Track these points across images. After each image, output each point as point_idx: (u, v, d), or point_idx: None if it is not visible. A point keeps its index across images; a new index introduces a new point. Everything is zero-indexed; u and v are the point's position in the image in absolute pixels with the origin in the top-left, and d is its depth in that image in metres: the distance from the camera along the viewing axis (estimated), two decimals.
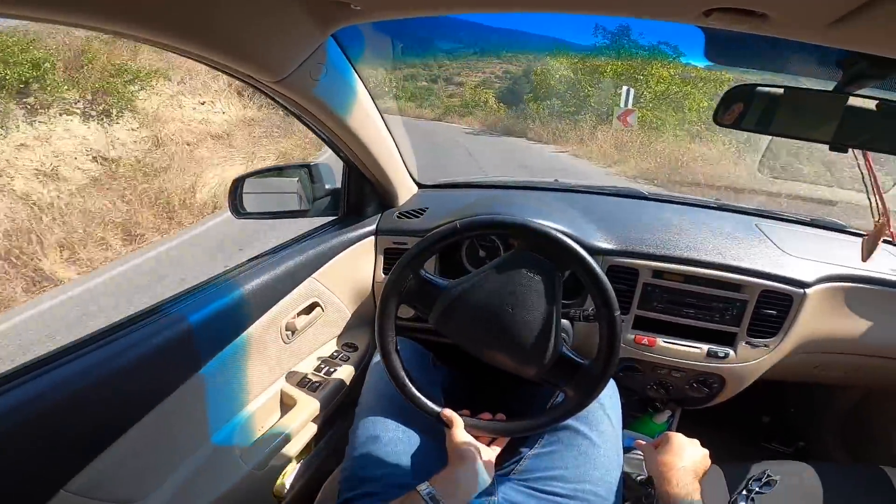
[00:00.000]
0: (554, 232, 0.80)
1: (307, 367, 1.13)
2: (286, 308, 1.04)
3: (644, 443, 0.92)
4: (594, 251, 1.15)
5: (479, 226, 0.84)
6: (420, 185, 1.46)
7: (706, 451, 0.85)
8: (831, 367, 1.26)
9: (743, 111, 0.76)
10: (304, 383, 1.08)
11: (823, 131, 0.71)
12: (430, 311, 0.86)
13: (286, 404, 1.05)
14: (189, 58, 0.58)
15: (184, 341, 0.80)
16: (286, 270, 1.03)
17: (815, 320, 1.14)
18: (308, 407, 1.03)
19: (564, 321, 1.08)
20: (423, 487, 0.71)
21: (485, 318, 0.84)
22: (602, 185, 1.61)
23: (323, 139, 1.04)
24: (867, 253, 0.89)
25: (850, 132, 0.70)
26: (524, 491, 0.83)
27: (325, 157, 4.46)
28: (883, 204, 0.80)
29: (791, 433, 1.72)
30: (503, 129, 16.99)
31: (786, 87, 0.72)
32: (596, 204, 1.40)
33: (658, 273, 1.14)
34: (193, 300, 0.87)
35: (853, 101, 0.67)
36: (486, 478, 0.79)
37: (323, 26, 0.65)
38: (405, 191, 1.35)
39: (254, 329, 0.95)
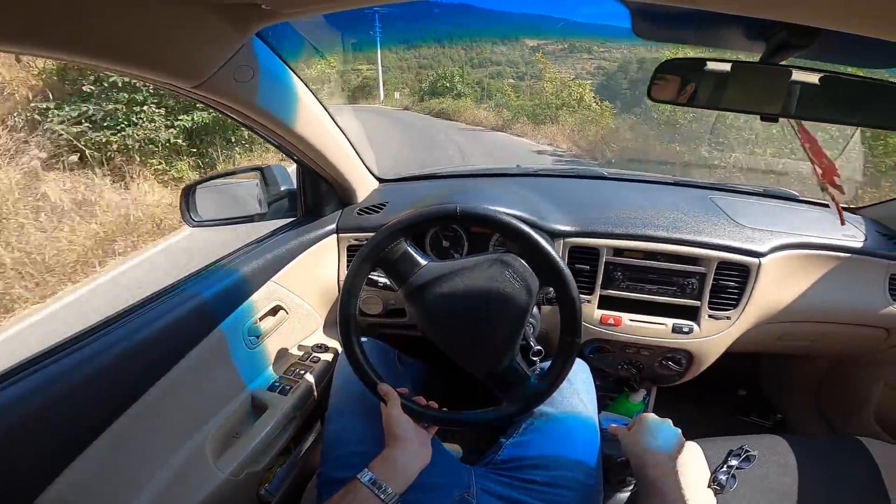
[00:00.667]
0: (548, 247, 0.79)
1: (277, 370, 1.13)
2: (247, 313, 1.03)
3: (617, 426, 0.93)
4: (554, 234, 1.15)
5: (477, 217, 0.83)
6: (380, 180, 1.45)
7: (679, 430, 0.86)
8: (795, 337, 1.29)
9: (692, 87, 0.77)
10: (274, 387, 1.07)
11: (771, 104, 0.72)
12: (403, 283, 0.86)
13: (258, 409, 1.04)
14: (97, 69, 0.56)
15: (143, 351, 0.79)
16: (244, 276, 1.02)
17: (773, 289, 1.16)
18: (281, 410, 1.02)
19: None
20: (364, 475, 0.71)
21: (455, 309, 0.83)
22: (562, 168, 1.62)
23: (269, 142, 1.02)
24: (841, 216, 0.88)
25: (795, 104, 0.70)
26: (503, 481, 0.83)
27: None
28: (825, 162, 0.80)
29: (768, 406, 1.75)
30: (625, 156, 8.98)
31: (732, 61, 0.73)
32: (555, 187, 1.41)
33: (618, 251, 1.15)
34: (149, 310, 0.86)
35: (797, 73, 0.67)
36: (425, 457, 0.79)
37: (239, 28, 0.63)
38: (364, 186, 1.34)
39: (214, 336, 0.94)
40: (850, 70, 0.75)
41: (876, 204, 1.35)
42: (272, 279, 1.10)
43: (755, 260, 1.11)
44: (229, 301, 0.99)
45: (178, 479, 0.82)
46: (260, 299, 1.06)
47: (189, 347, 0.89)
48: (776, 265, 1.13)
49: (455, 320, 0.84)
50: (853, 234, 1.20)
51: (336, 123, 1.11)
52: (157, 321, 0.83)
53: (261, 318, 1.08)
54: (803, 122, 0.74)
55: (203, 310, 0.92)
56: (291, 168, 1.26)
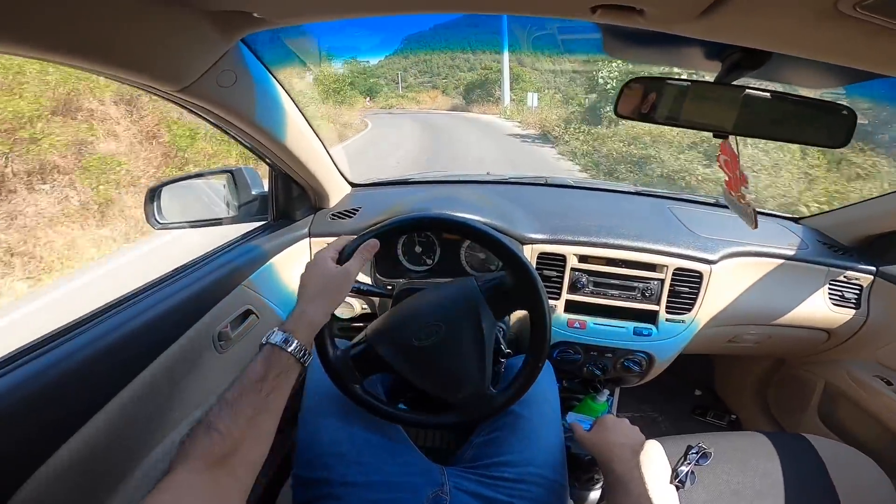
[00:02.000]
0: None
1: None
2: (217, 318, 1.01)
3: (575, 423, 0.97)
4: (525, 241, 1.19)
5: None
6: (353, 185, 1.45)
7: (637, 428, 0.90)
8: (743, 339, 1.37)
9: (654, 104, 0.81)
10: None
11: (725, 121, 0.76)
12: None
13: None
14: (80, 70, 0.55)
15: (110, 356, 0.77)
16: (214, 279, 1.00)
17: (723, 294, 1.24)
18: None
19: None
20: (277, 337, 0.67)
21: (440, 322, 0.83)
22: (532, 176, 1.67)
23: (244, 146, 1.01)
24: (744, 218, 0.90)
25: (747, 122, 0.75)
26: (473, 479, 0.84)
27: None
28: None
29: (723, 406, 1.85)
30: None
31: (692, 81, 0.77)
32: (525, 194, 1.45)
33: (584, 258, 1.20)
34: (116, 315, 0.83)
35: (749, 93, 0.71)
36: (326, 309, 0.74)
37: (226, 34, 0.63)
38: (337, 191, 1.34)
39: (183, 341, 0.92)
40: (799, 91, 0.81)
41: (817, 215, 1.45)
42: (242, 283, 1.08)
43: (707, 267, 1.19)
44: (198, 305, 0.97)
45: (145, 486, 0.79)
46: (230, 304, 1.04)
47: (157, 352, 0.86)
48: (726, 271, 1.22)
49: (435, 334, 0.82)
50: (796, 243, 1.30)
51: (312, 128, 1.11)
52: (124, 325, 0.81)
53: (231, 323, 1.06)
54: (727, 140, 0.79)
55: (172, 314, 0.90)
56: (263, 171, 1.24)
